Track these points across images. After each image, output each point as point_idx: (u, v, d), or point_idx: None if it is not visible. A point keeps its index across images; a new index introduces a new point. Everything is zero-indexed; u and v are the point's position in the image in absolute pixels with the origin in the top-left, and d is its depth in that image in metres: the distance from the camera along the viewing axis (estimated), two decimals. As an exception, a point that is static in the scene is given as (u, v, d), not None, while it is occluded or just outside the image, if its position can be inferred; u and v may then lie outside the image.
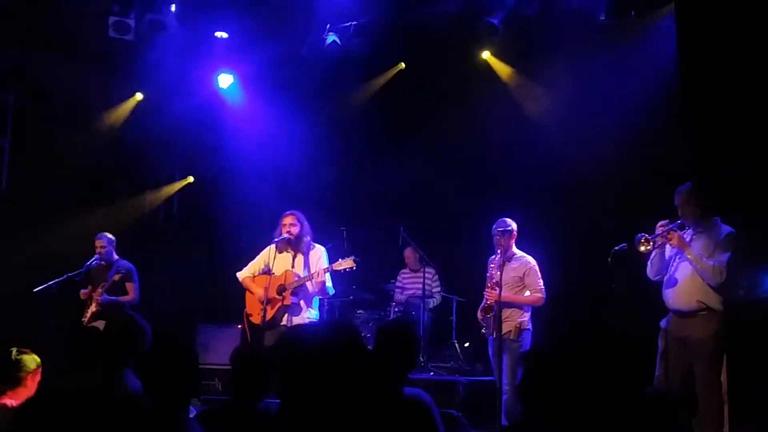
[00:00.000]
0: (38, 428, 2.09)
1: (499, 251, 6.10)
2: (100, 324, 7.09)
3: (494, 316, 5.98)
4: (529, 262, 6.11)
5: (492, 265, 6.16)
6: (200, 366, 7.30)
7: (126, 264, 7.60)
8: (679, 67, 5.53)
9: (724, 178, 5.04)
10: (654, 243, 5.19)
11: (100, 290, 7.38)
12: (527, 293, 6.06)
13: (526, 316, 6.07)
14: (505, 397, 5.86)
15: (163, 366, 2.58)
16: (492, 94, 8.50)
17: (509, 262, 6.11)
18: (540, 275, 6.09)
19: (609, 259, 5.42)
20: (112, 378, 3.35)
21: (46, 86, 8.79)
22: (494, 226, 6.17)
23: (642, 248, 5.18)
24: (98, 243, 7.57)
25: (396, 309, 8.60)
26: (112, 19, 8.11)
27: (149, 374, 2.66)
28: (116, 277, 7.41)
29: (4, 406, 3.68)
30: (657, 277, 5.33)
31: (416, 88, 9.35)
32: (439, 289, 8.78)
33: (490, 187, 8.43)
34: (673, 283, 5.18)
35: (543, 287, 6.07)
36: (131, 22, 8.14)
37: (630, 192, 7.01)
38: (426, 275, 8.52)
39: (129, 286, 7.52)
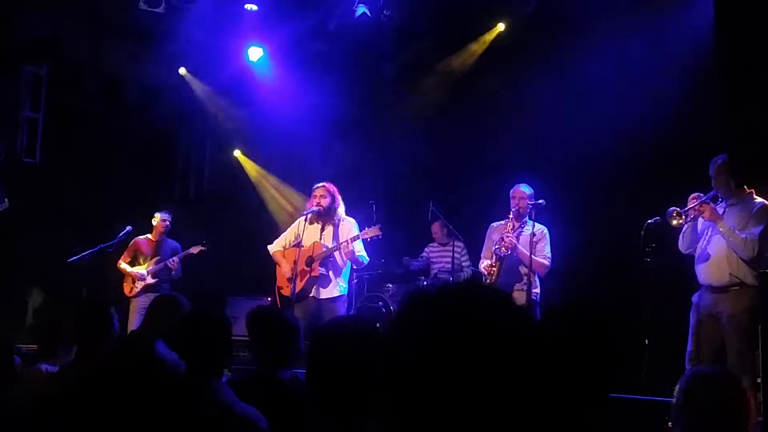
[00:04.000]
0: (77, 393, 2.13)
1: (512, 216, 6.11)
2: (149, 296, 7.26)
3: (501, 266, 6.03)
4: (543, 229, 6.12)
5: (495, 225, 6.20)
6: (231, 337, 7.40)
7: (175, 242, 7.91)
8: (717, 36, 5.40)
9: (761, 150, 4.93)
10: (686, 216, 5.11)
11: (153, 265, 7.68)
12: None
13: (537, 289, 6.07)
14: None
15: (197, 335, 2.62)
16: (521, 68, 8.39)
17: (522, 227, 6.15)
18: (550, 245, 6.08)
19: (642, 233, 5.38)
20: (149, 346, 3.39)
21: (78, 59, 8.86)
22: (513, 190, 6.18)
23: (674, 222, 5.10)
24: (163, 218, 7.82)
25: (425, 282, 8.60)
26: (143, -9, 8.15)
27: (185, 342, 2.70)
28: (195, 250, 7.78)
29: (40, 371, 3.77)
30: (689, 251, 5.24)
31: (445, 61, 9.27)
32: (468, 263, 8.75)
33: (520, 161, 8.35)
34: (706, 257, 5.10)
35: (551, 256, 6.06)
36: (162, -6, 8.17)
37: (664, 165, 6.92)
38: (455, 249, 8.50)
39: (174, 262, 7.76)
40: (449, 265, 8.50)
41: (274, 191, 10.26)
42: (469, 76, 9.19)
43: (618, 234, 6.88)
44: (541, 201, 6.18)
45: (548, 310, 2.26)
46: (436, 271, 8.80)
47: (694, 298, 5.17)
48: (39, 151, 8.96)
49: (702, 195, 5.11)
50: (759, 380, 4.71)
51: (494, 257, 6.13)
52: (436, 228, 8.83)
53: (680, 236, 5.28)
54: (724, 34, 5.39)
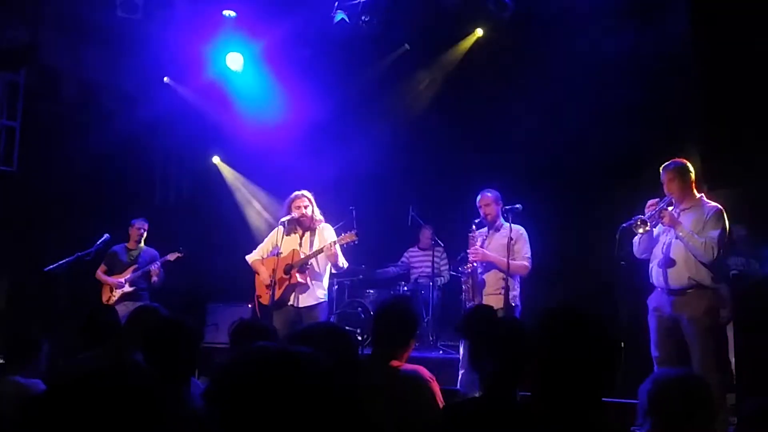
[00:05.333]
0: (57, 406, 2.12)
1: (474, 227, 6.12)
2: (127, 305, 7.22)
3: (474, 282, 5.99)
4: (520, 230, 6.10)
5: (472, 234, 6.15)
6: (211, 344, 7.38)
7: (153, 250, 7.89)
8: (693, 43, 5.50)
9: (732, 154, 5.02)
10: (651, 222, 5.17)
11: (131, 274, 7.67)
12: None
13: (516, 291, 6.05)
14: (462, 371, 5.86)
15: (167, 343, 2.62)
16: (500, 73, 8.45)
17: (497, 232, 6.14)
18: (529, 245, 6.08)
19: (617, 236, 5.41)
20: (124, 356, 3.40)
21: (55, 67, 8.81)
22: (478, 198, 6.19)
23: (640, 230, 5.16)
24: (139, 226, 7.83)
25: (405, 288, 8.62)
26: (119, -3, 8.12)
27: (156, 350, 2.70)
28: (171, 257, 7.73)
29: (16, 382, 3.74)
30: (644, 255, 5.30)
31: (425, 66, 9.31)
32: (447, 267, 8.79)
33: (498, 166, 8.39)
34: (663, 261, 5.16)
35: (530, 257, 6.06)
36: (139, 1, 8.13)
37: (639, 169, 6.98)
38: (435, 253, 8.54)
39: (156, 269, 7.73)
40: (429, 270, 8.53)
41: (251, 198, 10.26)
42: (449, 82, 9.24)
43: (593, 237, 6.93)
44: (518, 206, 6.19)
45: (546, 314, 2.26)
46: (416, 275, 8.83)
47: (651, 302, 5.23)
48: (16, 158, 8.88)
49: (659, 201, 5.17)
50: (728, 381, 4.77)
51: (464, 275, 6.16)
52: (425, 233, 8.84)
53: (636, 241, 5.34)
54: (700, 41, 5.48)
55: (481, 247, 6.10)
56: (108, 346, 3.99)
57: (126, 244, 7.86)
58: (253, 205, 10.22)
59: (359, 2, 8.45)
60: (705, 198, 5.19)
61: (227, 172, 10.32)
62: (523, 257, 6.04)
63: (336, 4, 8.47)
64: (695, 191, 5.19)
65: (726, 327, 6.30)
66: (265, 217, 9.95)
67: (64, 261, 7.32)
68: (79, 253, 7.48)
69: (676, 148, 5.84)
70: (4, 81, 8.80)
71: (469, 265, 6.09)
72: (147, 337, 2.63)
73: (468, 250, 6.13)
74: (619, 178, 7.19)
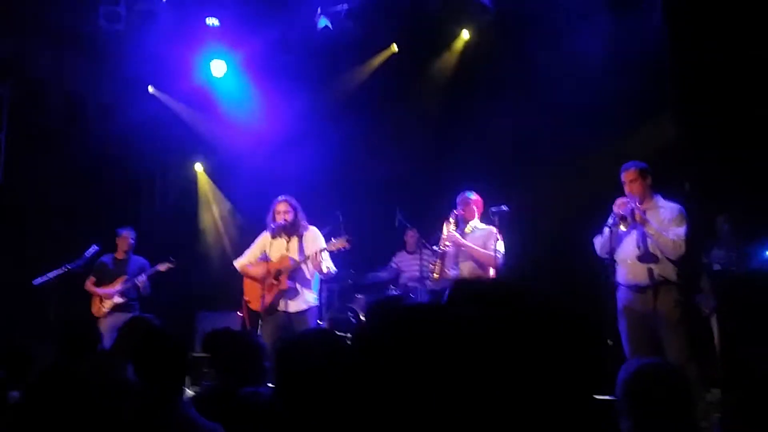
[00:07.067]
0: (41, 413, 2.14)
1: (451, 218, 6.29)
2: (117, 316, 7.22)
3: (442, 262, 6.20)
4: (493, 230, 6.23)
5: (447, 222, 6.31)
6: (200, 353, 7.38)
7: (142, 259, 7.89)
8: (667, 40, 5.59)
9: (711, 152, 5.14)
10: (630, 220, 5.28)
11: (120, 284, 7.65)
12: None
13: None
14: None
15: (155, 354, 2.65)
16: (483, 74, 8.51)
17: (471, 232, 6.26)
18: (502, 245, 6.19)
19: (608, 234, 5.48)
20: (115, 368, 3.41)
21: (40, 78, 8.80)
22: (458, 198, 6.36)
23: (623, 227, 5.28)
24: (126, 235, 7.83)
25: (395, 291, 8.65)
26: (102, 8, 8.13)
27: (140, 362, 2.72)
28: (163, 267, 7.72)
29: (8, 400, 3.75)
30: (607, 255, 5.38)
31: (409, 71, 9.36)
32: (437, 269, 8.82)
33: (483, 168, 8.45)
34: (630, 258, 5.28)
35: (501, 253, 6.16)
36: (122, 11, 8.15)
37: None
38: (423, 256, 8.56)
39: (141, 281, 7.73)
40: (418, 273, 8.57)
41: (212, 204, 10.28)
42: (434, 85, 9.29)
43: (577, 236, 7.00)
44: (503, 207, 6.29)
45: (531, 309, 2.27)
46: (405, 279, 8.85)
47: (620, 302, 5.34)
48: (2, 170, 8.87)
49: (629, 199, 5.29)
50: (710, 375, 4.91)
51: (435, 255, 6.32)
52: (409, 236, 8.88)
53: (599, 239, 5.43)
54: (674, 38, 5.57)
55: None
56: (88, 358, 3.96)
57: (114, 255, 7.86)
58: (212, 211, 10.25)
59: (342, 9, 8.50)
60: (662, 198, 5.37)
61: (203, 180, 10.33)
62: (494, 250, 6.14)
63: (319, 10, 8.51)
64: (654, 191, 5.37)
65: (710, 320, 6.43)
66: (219, 225, 10.03)
67: (53, 273, 7.33)
68: (68, 265, 7.48)
69: (654, 142, 5.94)
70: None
71: (442, 246, 6.19)
72: (135, 350, 2.66)
73: (442, 234, 6.25)
74: (599, 175, 7.28)
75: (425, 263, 8.63)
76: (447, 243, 6.25)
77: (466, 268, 6.19)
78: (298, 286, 6.28)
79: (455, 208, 6.35)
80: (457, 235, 6.24)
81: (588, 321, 2.09)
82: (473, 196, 6.36)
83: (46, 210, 8.72)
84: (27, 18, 8.19)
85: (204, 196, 10.29)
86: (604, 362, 2.04)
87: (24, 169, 8.90)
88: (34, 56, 8.55)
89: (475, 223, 6.36)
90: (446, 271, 6.27)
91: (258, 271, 6.33)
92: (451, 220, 6.33)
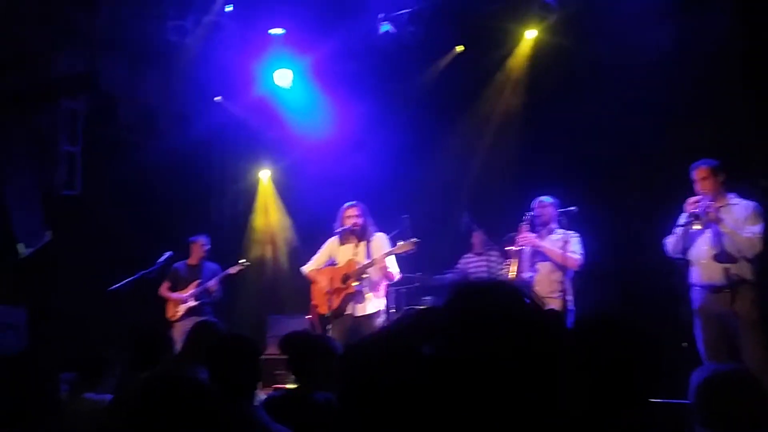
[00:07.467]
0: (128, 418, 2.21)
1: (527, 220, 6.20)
2: (192, 320, 7.41)
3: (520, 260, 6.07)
4: (575, 234, 6.13)
5: (524, 222, 6.21)
6: (271, 356, 7.51)
7: (215, 264, 8.11)
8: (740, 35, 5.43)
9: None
10: (702, 219, 5.14)
11: (194, 289, 7.88)
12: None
13: (570, 295, 6.00)
14: None
15: (227, 359, 2.69)
16: (549, 73, 8.38)
17: (549, 234, 6.15)
18: (582, 245, 6.07)
19: (681, 234, 5.36)
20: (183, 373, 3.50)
21: (112, 92, 9.09)
22: (534, 202, 6.29)
23: (697, 227, 5.15)
24: (202, 242, 8.07)
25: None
26: (170, 22, 8.35)
27: (217, 366, 2.77)
28: (234, 270, 7.99)
29: (85, 400, 3.88)
30: (680, 255, 5.24)
31: (473, 73, 9.29)
32: (505, 271, 8.71)
33: (551, 167, 8.33)
34: (705, 258, 5.15)
35: (583, 255, 6.03)
36: (188, 25, 8.36)
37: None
38: (490, 258, 8.50)
39: (213, 286, 7.94)
40: (485, 274, 8.50)
41: (282, 215, 10.37)
42: (498, 86, 9.19)
43: (653, 235, 6.83)
44: (573, 208, 6.18)
45: (581, 322, 2.25)
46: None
47: (695, 302, 5.18)
48: (80, 182, 9.18)
49: (701, 198, 5.16)
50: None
51: (505, 256, 6.25)
52: (476, 237, 8.82)
53: (671, 239, 5.30)
54: (747, 32, 5.40)
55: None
56: (164, 363, 4.06)
57: (187, 261, 8.06)
58: (278, 217, 10.36)
59: (404, 12, 8.50)
60: (736, 195, 5.23)
61: (263, 188, 10.47)
62: (573, 251, 6.01)
63: (381, 15, 8.54)
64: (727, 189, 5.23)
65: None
66: (286, 231, 10.10)
67: (128, 280, 7.55)
68: (143, 272, 7.71)
69: (727, 140, 5.77)
70: (64, 108, 9.12)
71: (517, 246, 6.12)
72: (209, 354, 2.71)
73: (517, 235, 6.16)
74: (673, 176, 7.10)
75: (492, 265, 8.57)
76: (523, 244, 6.15)
77: (545, 270, 6.09)
78: (365, 289, 6.32)
79: (530, 211, 6.28)
80: (532, 236, 6.15)
81: (635, 330, 2.04)
82: (549, 200, 6.30)
83: (122, 219, 8.98)
84: (100, 35, 8.47)
85: (269, 202, 10.44)
86: (658, 368, 1.99)
87: (100, 180, 9.19)
88: (107, 71, 8.84)
89: (553, 226, 6.26)
90: (521, 272, 6.18)
91: (325, 276, 6.40)
92: (527, 222, 6.25)
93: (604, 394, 1.93)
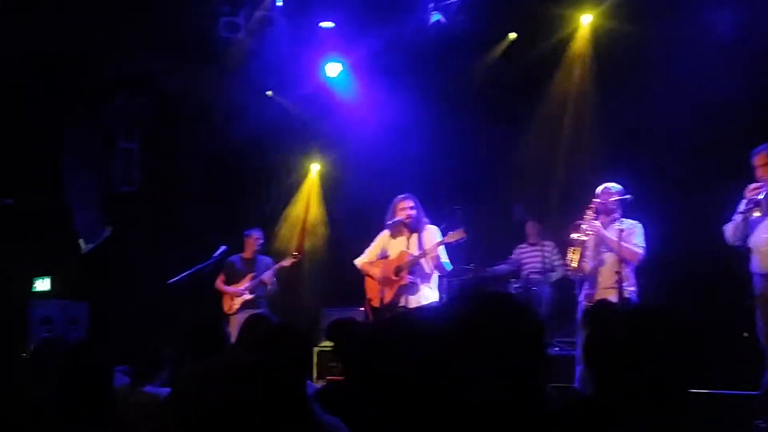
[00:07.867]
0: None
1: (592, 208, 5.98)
2: (247, 313, 7.51)
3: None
4: (638, 224, 5.92)
5: (589, 209, 6.00)
6: (325, 348, 7.53)
7: (268, 258, 8.16)
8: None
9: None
10: (764, 206, 4.96)
11: (249, 282, 7.93)
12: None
13: (633, 285, 5.83)
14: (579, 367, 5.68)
15: (276, 350, 2.70)
16: (603, 62, 8.21)
17: (611, 223, 5.97)
18: (644, 237, 5.88)
19: (741, 222, 5.21)
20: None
21: (168, 89, 9.27)
22: (600, 190, 6.03)
23: (757, 214, 4.97)
24: (256, 236, 8.12)
25: (516, 285, 8.52)
26: (223, 19, 8.46)
27: (265, 357, 2.78)
28: (287, 263, 7.99)
29: (145, 393, 3.95)
30: (738, 242, 5.07)
31: (525, 62, 9.14)
32: (560, 262, 8.59)
33: (609, 155, 8.16)
34: (765, 246, 4.98)
35: (645, 248, 5.85)
36: (241, 21, 8.45)
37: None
38: (545, 248, 8.38)
39: (269, 278, 8.00)
40: (540, 266, 8.40)
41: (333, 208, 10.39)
42: (552, 74, 9.02)
43: (716, 224, 6.64)
44: (628, 196, 6.02)
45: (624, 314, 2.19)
46: (527, 272, 8.69)
47: (756, 291, 5.01)
48: (138, 178, 9.39)
49: (762, 185, 4.97)
50: None
51: (572, 243, 6.04)
52: (530, 227, 8.72)
53: (730, 227, 5.13)
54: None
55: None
56: (220, 356, 4.10)
57: (242, 254, 8.16)
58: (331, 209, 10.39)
59: (454, 1, 8.43)
60: None
61: (309, 182, 10.53)
62: (634, 244, 5.85)
63: (431, 5, 8.49)
64: None
65: None
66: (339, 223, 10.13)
67: (185, 273, 7.69)
68: (199, 266, 7.84)
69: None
70: (122, 105, 9.35)
71: (582, 235, 5.95)
72: (258, 345, 2.72)
73: (583, 222, 6.01)
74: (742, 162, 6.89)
75: (547, 255, 8.45)
76: (589, 232, 6.00)
77: (609, 260, 5.90)
78: (418, 281, 6.29)
79: (596, 198, 6.05)
80: (598, 225, 5.97)
81: (675, 321, 1.97)
82: (617, 187, 6.04)
83: (178, 214, 9.16)
84: (155, 35, 8.63)
85: (315, 195, 10.50)
86: (695, 361, 1.93)
87: (158, 176, 9.40)
88: (163, 70, 9.01)
89: (617, 215, 6.04)
90: (584, 261, 6.01)
91: (378, 268, 6.40)
92: (592, 209, 6.05)
93: (636, 386, 1.88)
